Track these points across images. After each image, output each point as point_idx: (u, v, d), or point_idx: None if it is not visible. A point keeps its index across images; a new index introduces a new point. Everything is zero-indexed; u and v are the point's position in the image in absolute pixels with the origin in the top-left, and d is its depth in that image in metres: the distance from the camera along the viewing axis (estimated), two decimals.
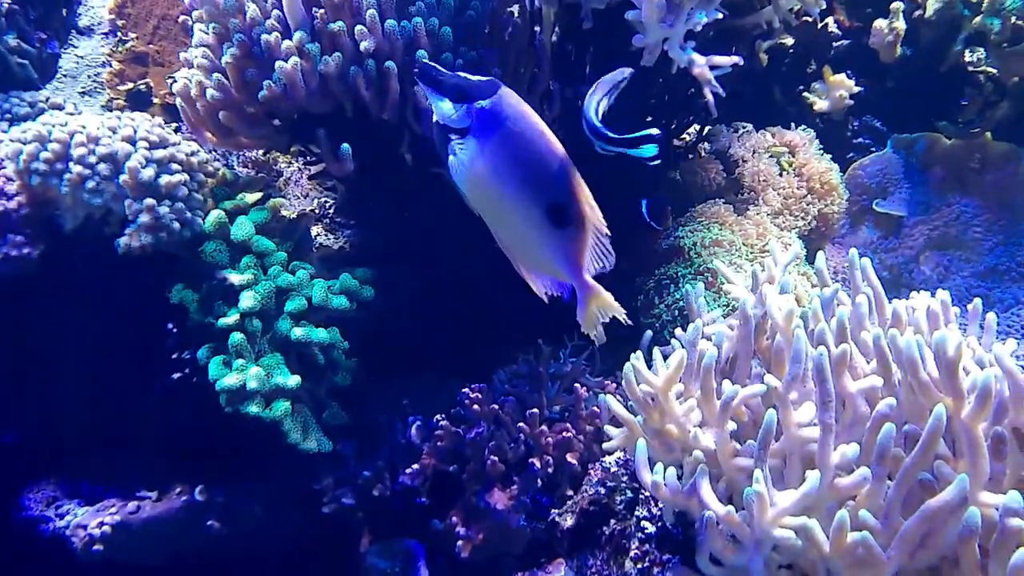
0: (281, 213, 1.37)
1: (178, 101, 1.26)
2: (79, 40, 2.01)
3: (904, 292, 1.51)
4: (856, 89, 1.71)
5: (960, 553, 0.80)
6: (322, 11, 1.16)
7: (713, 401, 0.97)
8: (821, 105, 1.74)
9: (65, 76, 2.00)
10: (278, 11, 1.17)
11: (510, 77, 1.32)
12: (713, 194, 1.57)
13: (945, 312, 1.05)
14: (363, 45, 1.17)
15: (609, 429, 1.13)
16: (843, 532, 0.83)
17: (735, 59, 1.22)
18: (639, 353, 1.09)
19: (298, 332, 1.22)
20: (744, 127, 1.66)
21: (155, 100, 2.10)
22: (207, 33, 1.21)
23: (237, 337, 1.18)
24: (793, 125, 1.68)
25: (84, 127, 1.17)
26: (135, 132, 1.20)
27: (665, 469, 0.96)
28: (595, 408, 1.28)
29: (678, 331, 1.17)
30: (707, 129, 1.66)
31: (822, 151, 1.61)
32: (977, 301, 1.09)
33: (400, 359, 1.44)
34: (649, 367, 1.10)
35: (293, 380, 1.19)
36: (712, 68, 1.21)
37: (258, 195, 1.35)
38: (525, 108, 0.92)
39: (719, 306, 1.32)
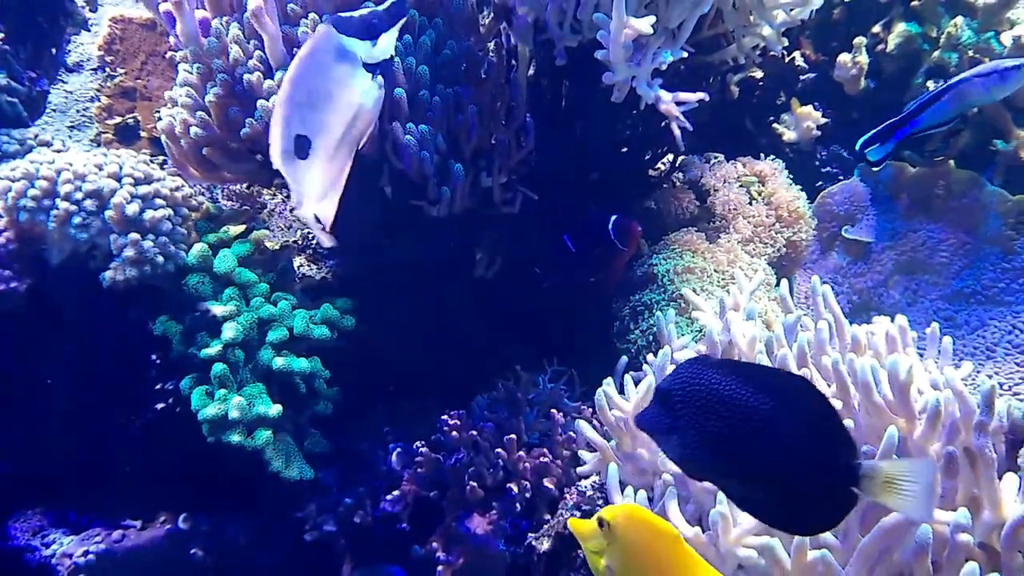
0: (264, 245, 1.40)
1: (163, 138, 1.30)
2: (68, 76, 2.05)
3: (874, 315, 1.55)
4: (823, 120, 1.77)
5: (914, 568, 0.84)
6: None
7: None
8: (790, 136, 1.80)
9: (54, 111, 2.03)
10: (260, 52, 1.21)
11: (487, 112, 1.37)
12: (686, 222, 1.62)
13: (903, 336, 1.09)
14: None
15: (583, 454, 1.16)
16: (803, 551, 0.86)
17: (701, 95, 1.27)
18: (610, 379, 1.13)
19: (279, 362, 1.25)
20: (716, 157, 1.71)
21: (143, 134, 2.14)
22: (191, 73, 1.25)
23: (219, 368, 1.21)
24: (763, 155, 1.73)
25: (71, 164, 1.21)
26: (120, 168, 1.23)
27: (636, 492, 0.99)
28: (572, 433, 1.31)
29: (650, 356, 1.21)
30: (680, 159, 1.72)
31: (791, 180, 1.67)
32: (935, 326, 1.13)
33: (381, 387, 1.47)
34: (622, 392, 1.13)
35: (274, 409, 1.22)
36: (679, 104, 1.26)
37: (241, 228, 1.38)
38: None
39: (691, 331, 1.36)
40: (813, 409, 0.68)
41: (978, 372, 1.61)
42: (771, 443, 0.68)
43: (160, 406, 1.26)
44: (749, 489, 0.71)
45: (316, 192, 1.01)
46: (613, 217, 1.40)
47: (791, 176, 1.68)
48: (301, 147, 1.00)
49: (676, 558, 0.70)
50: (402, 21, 1.06)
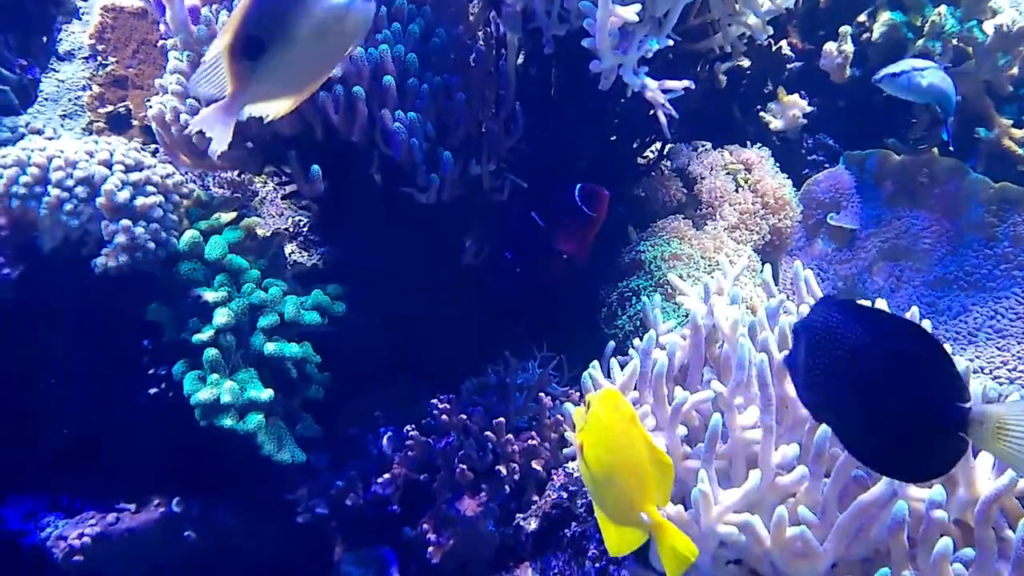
0: (255, 231, 1.41)
1: (154, 126, 1.31)
2: (60, 65, 2.05)
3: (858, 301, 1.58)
4: (809, 108, 1.79)
5: (891, 544, 0.86)
6: None
7: (665, 407, 1.03)
8: (776, 124, 1.81)
9: (46, 100, 2.04)
10: None
11: (475, 100, 1.38)
12: (674, 210, 1.64)
13: None
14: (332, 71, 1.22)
15: (570, 436, 1.18)
16: (782, 527, 0.88)
17: (686, 83, 1.29)
18: (596, 363, 1.15)
19: (271, 347, 1.27)
20: (703, 145, 1.73)
21: (134, 122, 2.14)
22: (181, 60, 1.26)
23: (211, 353, 1.22)
24: (750, 143, 1.75)
25: (62, 151, 1.21)
26: (111, 156, 1.24)
27: None
28: (560, 416, 1.33)
29: (636, 341, 1.23)
30: (668, 147, 1.73)
31: (777, 168, 1.69)
32: (914, 309, 1.16)
33: (372, 372, 1.48)
34: (609, 375, 1.15)
35: (266, 394, 1.24)
36: (665, 91, 1.28)
37: (232, 215, 1.39)
38: None
39: (677, 316, 1.38)
40: (926, 354, 0.69)
41: (959, 356, 1.64)
42: (884, 385, 0.70)
43: (153, 391, 1.27)
44: (864, 434, 0.73)
45: (250, 97, 0.92)
46: (579, 186, 1.37)
47: (777, 164, 1.70)
48: (252, 48, 0.90)
49: (628, 433, 0.80)
50: None
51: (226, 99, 0.93)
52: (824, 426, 0.91)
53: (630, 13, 1.15)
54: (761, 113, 1.84)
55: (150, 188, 1.24)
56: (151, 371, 1.28)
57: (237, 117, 0.95)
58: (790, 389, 0.99)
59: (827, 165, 1.82)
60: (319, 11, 0.89)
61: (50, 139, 1.41)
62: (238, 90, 0.92)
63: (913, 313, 1.15)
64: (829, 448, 0.91)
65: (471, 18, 1.49)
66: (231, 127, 0.95)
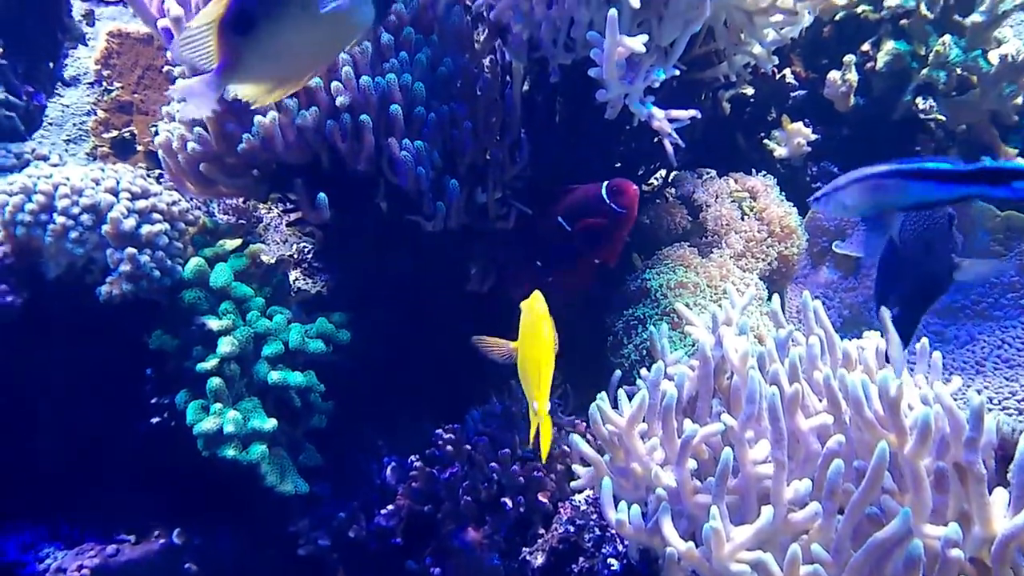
0: (260, 259, 1.40)
1: (160, 153, 1.31)
2: (65, 90, 2.06)
3: (864, 330, 1.57)
4: (813, 136, 1.79)
5: None
6: None
7: (675, 440, 1.01)
8: (781, 152, 1.82)
9: (51, 124, 2.04)
10: None
11: (482, 128, 1.38)
12: (679, 237, 1.63)
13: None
14: (339, 100, 1.23)
15: (577, 468, 1.17)
16: (796, 565, 0.87)
17: (692, 112, 1.29)
18: (604, 394, 1.14)
19: (275, 376, 1.26)
20: (708, 173, 1.73)
21: (139, 147, 2.15)
22: None
23: (215, 382, 1.21)
24: (755, 170, 1.75)
25: (68, 179, 1.21)
26: (118, 183, 1.24)
27: (630, 507, 1.00)
28: (566, 447, 1.32)
29: (643, 371, 1.22)
30: (673, 175, 1.73)
31: (783, 196, 1.68)
32: (924, 341, 1.15)
33: (376, 400, 1.47)
34: (616, 406, 1.14)
35: (270, 424, 1.22)
36: (671, 121, 1.28)
37: (238, 242, 1.39)
38: None
39: (684, 346, 1.37)
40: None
41: (968, 386, 1.62)
42: None
43: (155, 420, 1.26)
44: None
45: (235, 75, 0.90)
46: (606, 183, 1.33)
47: (782, 191, 1.70)
48: (242, 23, 0.88)
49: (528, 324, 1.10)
50: None
51: (211, 73, 0.91)
52: (838, 460, 0.90)
53: (637, 44, 1.15)
54: (765, 141, 1.84)
55: (156, 216, 1.24)
56: (154, 400, 1.27)
57: (220, 93, 0.93)
58: (801, 422, 0.98)
59: None
60: (315, 4, 0.88)
61: (55, 166, 1.41)
62: (223, 65, 0.90)
63: (923, 345, 1.14)
64: (842, 484, 0.90)
65: (477, 46, 1.50)
66: (213, 101, 0.94)
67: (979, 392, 1.63)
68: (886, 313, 1.26)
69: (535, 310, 1.11)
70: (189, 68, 0.97)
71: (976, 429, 0.89)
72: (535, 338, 1.08)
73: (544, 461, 1.20)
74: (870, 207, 1.14)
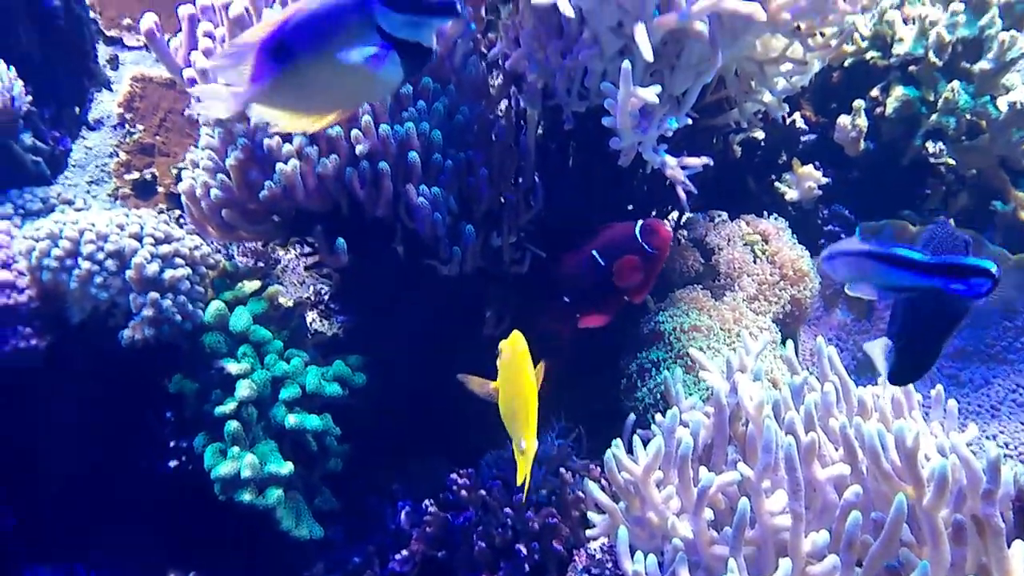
0: (278, 301, 1.42)
1: (184, 199, 1.33)
2: (88, 133, 2.11)
3: (878, 373, 1.57)
4: (824, 180, 1.81)
5: None
6: None
7: (691, 489, 1.02)
8: (792, 195, 1.83)
9: (74, 166, 2.08)
10: None
11: (497, 173, 1.40)
12: (691, 280, 1.64)
13: (908, 399, 1.10)
14: (359, 148, 1.25)
15: (593, 516, 1.17)
16: None
17: (705, 160, 1.31)
18: (619, 441, 1.14)
19: (292, 420, 1.27)
20: (720, 216, 1.74)
21: (160, 189, 2.19)
22: (213, 137, 1.29)
23: (233, 426, 1.22)
24: (766, 213, 1.77)
25: (94, 225, 1.24)
26: (142, 228, 1.26)
27: (646, 557, 1.00)
28: (580, 493, 1.32)
29: (658, 417, 1.23)
30: (685, 218, 1.75)
31: (794, 239, 1.69)
32: (940, 388, 1.15)
33: (390, 443, 1.48)
34: (631, 451, 1.14)
35: (286, 468, 1.23)
36: (684, 168, 1.30)
37: (257, 284, 1.41)
38: None
39: (698, 390, 1.37)
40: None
41: (983, 431, 1.62)
42: None
43: (173, 463, 1.27)
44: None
45: (262, 97, 0.94)
46: (640, 222, 1.36)
47: (795, 235, 1.71)
48: (282, 52, 0.92)
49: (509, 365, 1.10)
50: (450, 21, 1.02)
51: (240, 88, 0.95)
52: (856, 512, 0.90)
53: (650, 95, 1.18)
54: (776, 184, 1.86)
55: (179, 260, 1.26)
56: (172, 443, 1.28)
57: (242, 108, 0.97)
58: (818, 472, 0.98)
59: (843, 236, 1.83)
60: (353, 55, 0.92)
61: (80, 210, 1.45)
62: (254, 84, 0.94)
63: (938, 393, 1.14)
64: (860, 535, 0.90)
65: (492, 91, 1.53)
66: (232, 111, 0.97)
67: (995, 437, 1.63)
68: (872, 346, 1.30)
69: (515, 349, 1.11)
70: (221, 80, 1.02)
71: (993, 481, 0.89)
72: (517, 376, 1.09)
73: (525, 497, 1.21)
74: (850, 279, 1.22)
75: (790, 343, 1.23)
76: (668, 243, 1.37)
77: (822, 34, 1.33)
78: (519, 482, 1.06)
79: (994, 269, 1.01)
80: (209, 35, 1.24)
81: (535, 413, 1.07)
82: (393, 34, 0.93)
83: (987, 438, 1.64)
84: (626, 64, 1.16)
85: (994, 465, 0.89)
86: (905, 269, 1.12)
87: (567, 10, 1.12)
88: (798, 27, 1.30)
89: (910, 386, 1.11)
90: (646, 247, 1.36)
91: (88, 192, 2.07)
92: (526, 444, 1.05)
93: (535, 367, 1.42)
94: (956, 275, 1.05)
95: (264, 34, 0.93)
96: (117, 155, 2.15)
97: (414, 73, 1.03)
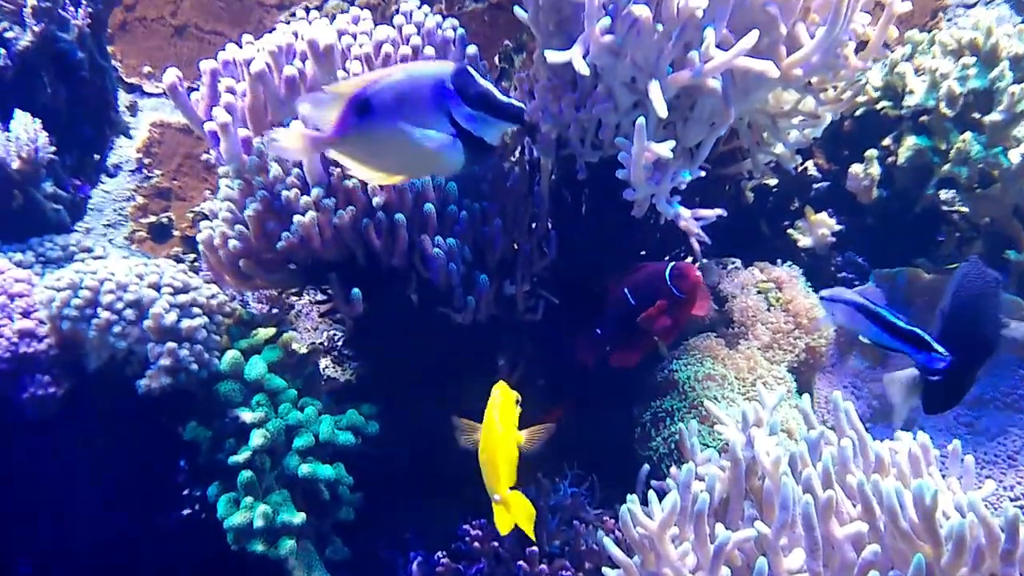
0: (292, 347, 1.43)
1: (201, 248, 1.35)
2: (106, 178, 2.15)
3: (896, 415, 1.55)
4: (837, 227, 1.82)
5: None
6: (339, 169, 1.26)
7: (707, 546, 1.01)
8: (805, 242, 1.84)
9: (92, 210, 2.13)
10: (298, 169, 1.27)
11: (510, 222, 1.42)
12: (705, 328, 1.64)
13: (925, 455, 1.09)
14: (375, 200, 1.27)
15: (607, 572, 1.15)
16: None
17: (719, 211, 1.32)
18: (635, 496, 1.13)
19: (305, 469, 1.27)
20: (733, 262, 1.75)
21: (175, 232, 2.23)
22: (232, 188, 1.31)
23: (246, 475, 1.22)
24: (779, 259, 1.77)
25: (113, 274, 1.25)
26: (160, 278, 1.28)
27: None
28: (594, 544, 1.31)
29: (673, 469, 1.22)
30: (698, 264, 1.75)
31: (808, 286, 1.70)
32: (957, 443, 1.14)
33: (403, 491, 1.47)
34: (645, 503, 1.13)
35: (299, 518, 1.23)
36: (697, 219, 1.31)
37: (271, 331, 1.42)
38: None
39: (713, 441, 1.36)
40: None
41: (1000, 481, 1.60)
42: None
43: (186, 512, 1.27)
44: None
45: (338, 145, 1.04)
46: (670, 265, 1.36)
47: (808, 282, 1.71)
48: (364, 109, 1.02)
49: (492, 428, 1.11)
50: (510, 126, 1.12)
51: (320, 134, 1.04)
52: (874, 572, 0.89)
53: (664, 150, 1.19)
54: (789, 231, 1.86)
55: (196, 310, 1.28)
56: (186, 491, 1.28)
57: (320, 151, 1.09)
58: (836, 530, 0.97)
59: (857, 283, 1.83)
60: (419, 134, 1.02)
61: (99, 258, 1.47)
62: (336, 132, 1.03)
63: (955, 447, 1.13)
64: None
65: (507, 140, 1.55)
66: (310, 151, 1.09)
67: (1012, 488, 1.61)
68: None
69: (493, 402, 1.13)
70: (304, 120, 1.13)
71: (1012, 541, 0.88)
72: (495, 428, 1.10)
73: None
74: (846, 326, 1.38)
75: (806, 396, 1.23)
76: (697, 287, 1.36)
77: (834, 88, 1.35)
78: (504, 531, 1.10)
79: (945, 354, 1.24)
80: (231, 91, 1.27)
81: (507, 466, 1.09)
82: (462, 124, 1.02)
83: (1004, 488, 1.62)
84: (640, 120, 1.18)
85: (1012, 524, 0.88)
86: (885, 329, 1.31)
87: (582, 68, 1.14)
88: (810, 82, 1.31)
89: (927, 440, 1.10)
90: (674, 290, 1.35)
91: (104, 236, 2.11)
92: (500, 496, 1.07)
93: (556, 410, 1.44)
94: (920, 347, 1.26)
95: (354, 88, 1.02)
96: (135, 199, 2.19)
97: (475, 164, 1.11)
